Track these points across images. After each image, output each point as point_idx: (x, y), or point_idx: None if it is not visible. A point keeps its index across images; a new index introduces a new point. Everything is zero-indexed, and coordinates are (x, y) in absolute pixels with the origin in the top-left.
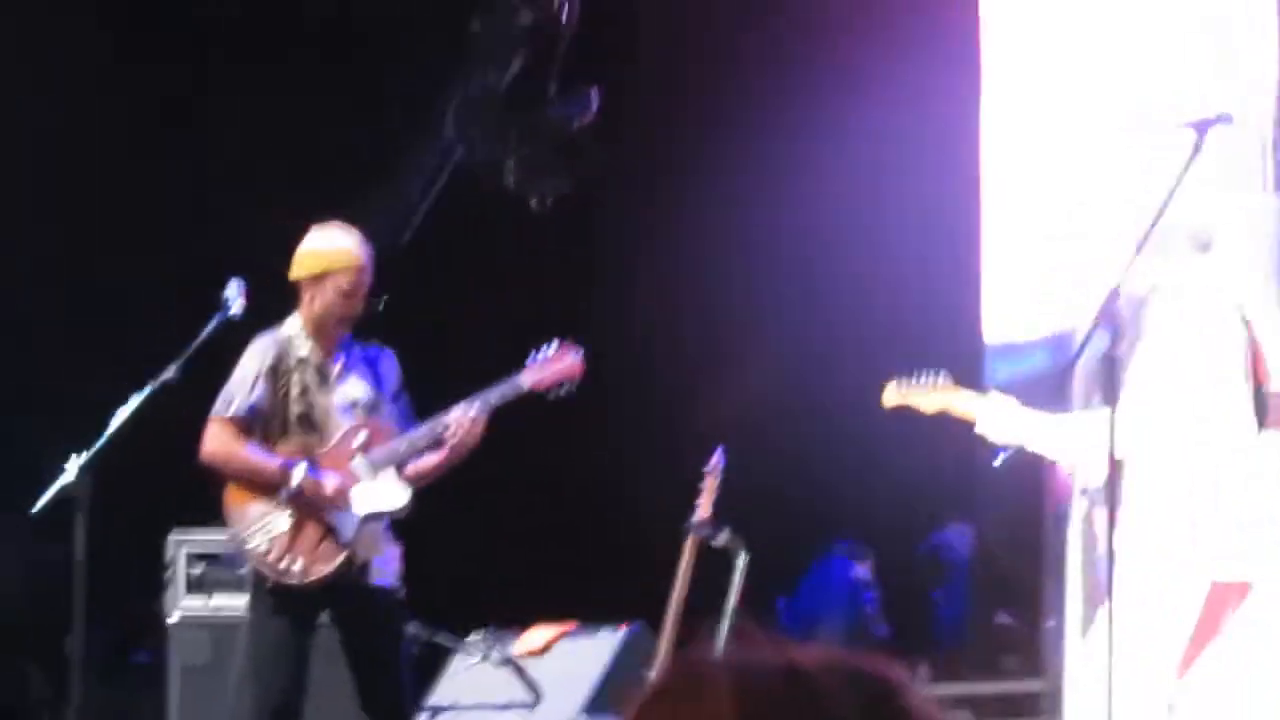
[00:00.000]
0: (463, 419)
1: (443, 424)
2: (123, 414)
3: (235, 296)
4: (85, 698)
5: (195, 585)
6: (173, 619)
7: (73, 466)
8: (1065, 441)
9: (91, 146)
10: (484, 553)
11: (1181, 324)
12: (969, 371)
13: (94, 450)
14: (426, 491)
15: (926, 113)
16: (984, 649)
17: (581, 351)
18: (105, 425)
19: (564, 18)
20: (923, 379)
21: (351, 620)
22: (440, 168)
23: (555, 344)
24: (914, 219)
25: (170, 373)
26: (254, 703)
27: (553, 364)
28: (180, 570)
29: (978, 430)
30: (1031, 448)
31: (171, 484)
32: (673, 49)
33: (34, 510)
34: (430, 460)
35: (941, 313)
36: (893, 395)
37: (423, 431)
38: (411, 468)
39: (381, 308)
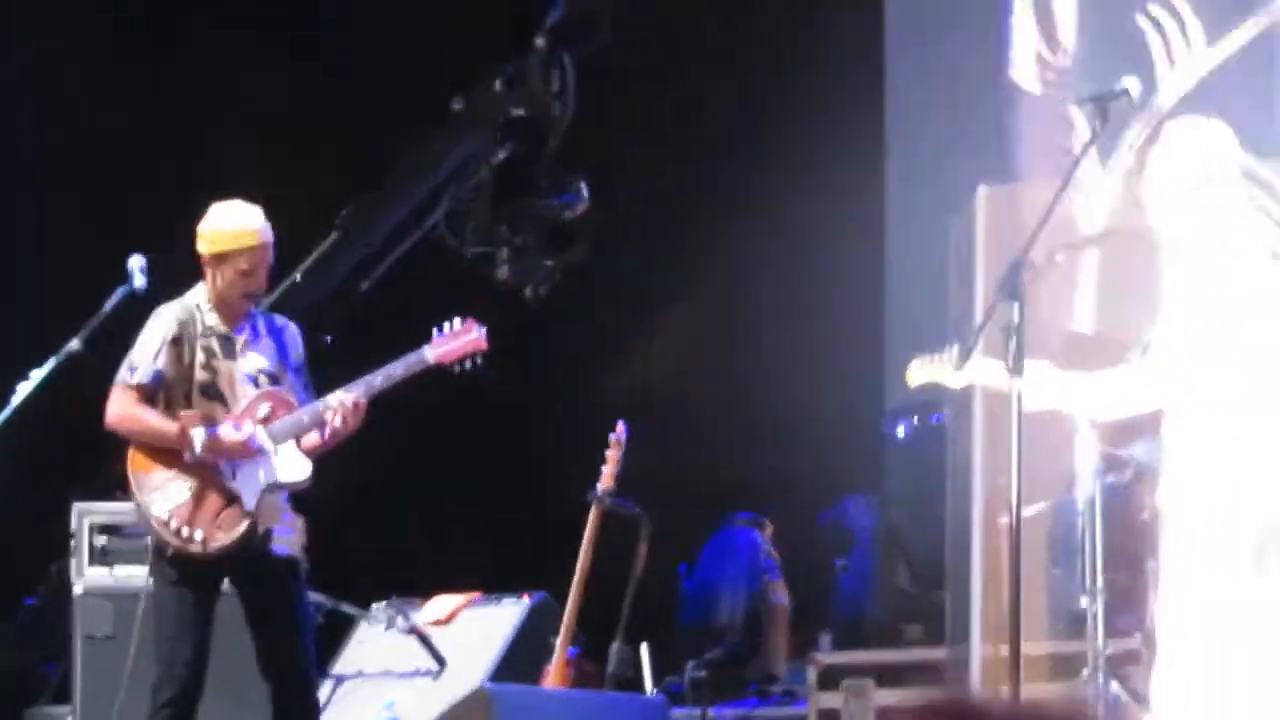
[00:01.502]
0: (345, 400)
1: (324, 405)
2: (27, 386)
3: (139, 270)
4: None
5: (99, 556)
6: (77, 590)
7: None
8: (1100, 397)
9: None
10: (388, 523)
11: (1218, 275)
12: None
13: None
14: (334, 461)
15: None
16: (886, 617)
17: (485, 327)
18: (8, 398)
19: (558, 112)
20: (943, 353)
21: (252, 588)
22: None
23: (459, 320)
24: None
25: (75, 344)
26: (160, 671)
27: (457, 338)
28: (84, 541)
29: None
30: (1066, 408)
31: (75, 456)
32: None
33: None
34: (310, 440)
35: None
36: (918, 372)
37: (339, 394)
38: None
39: (330, 342)
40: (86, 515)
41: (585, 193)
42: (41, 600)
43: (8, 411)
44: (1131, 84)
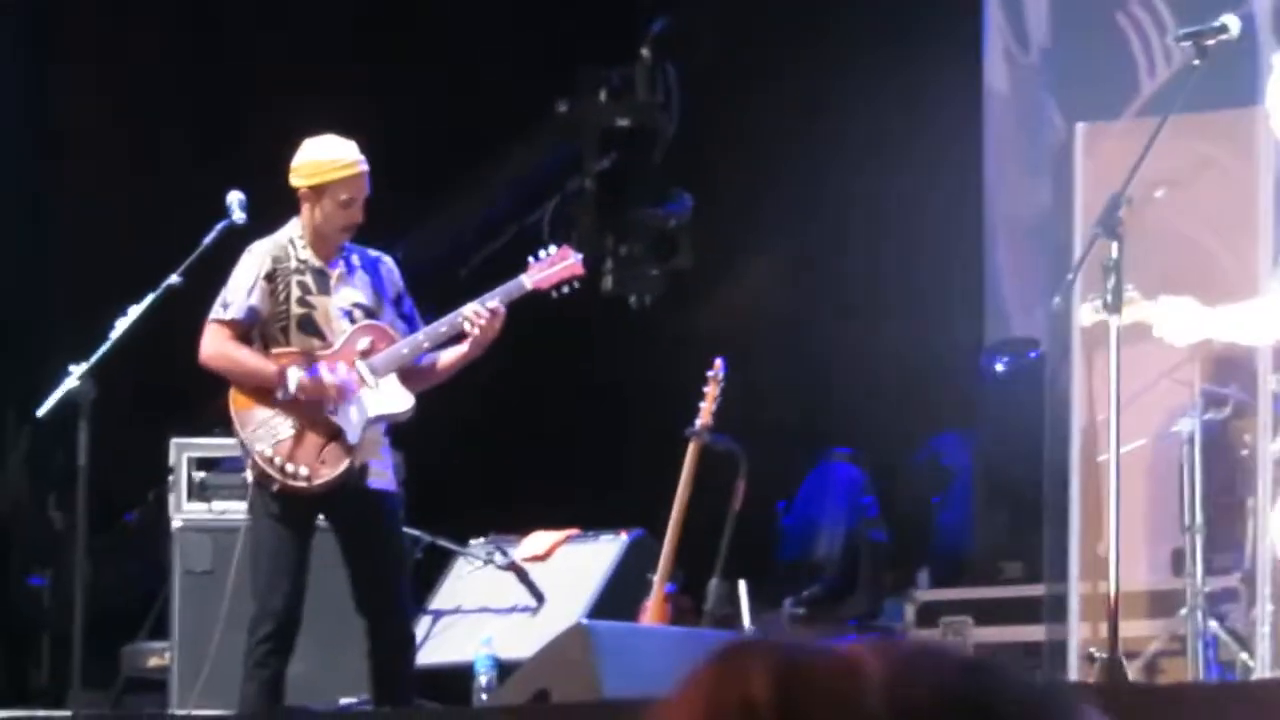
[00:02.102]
0: (481, 310)
1: (460, 316)
2: (125, 321)
3: (238, 204)
4: (88, 604)
5: (197, 491)
6: (175, 524)
7: (76, 372)
8: (1258, 324)
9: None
10: (486, 459)
11: None
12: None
13: (97, 356)
14: (431, 398)
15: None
16: (984, 555)
17: (581, 254)
18: (107, 332)
19: (662, 124)
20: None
21: (350, 523)
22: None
23: (555, 246)
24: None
25: (174, 279)
26: (257, 606)
27: (553, 264)
28: (182, 476)
29: (1155, 334)
30: (1222, 338)
31: (173, 391)
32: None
33: (39, 415)
34: (453, 353)
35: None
36: (1089, 313)
37: (437, 328)
38: (432, 360)
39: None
40: (185, 450)
41: (689, 202)
42: (139, 521)
43: (107, 346)
44: (1230, 21)
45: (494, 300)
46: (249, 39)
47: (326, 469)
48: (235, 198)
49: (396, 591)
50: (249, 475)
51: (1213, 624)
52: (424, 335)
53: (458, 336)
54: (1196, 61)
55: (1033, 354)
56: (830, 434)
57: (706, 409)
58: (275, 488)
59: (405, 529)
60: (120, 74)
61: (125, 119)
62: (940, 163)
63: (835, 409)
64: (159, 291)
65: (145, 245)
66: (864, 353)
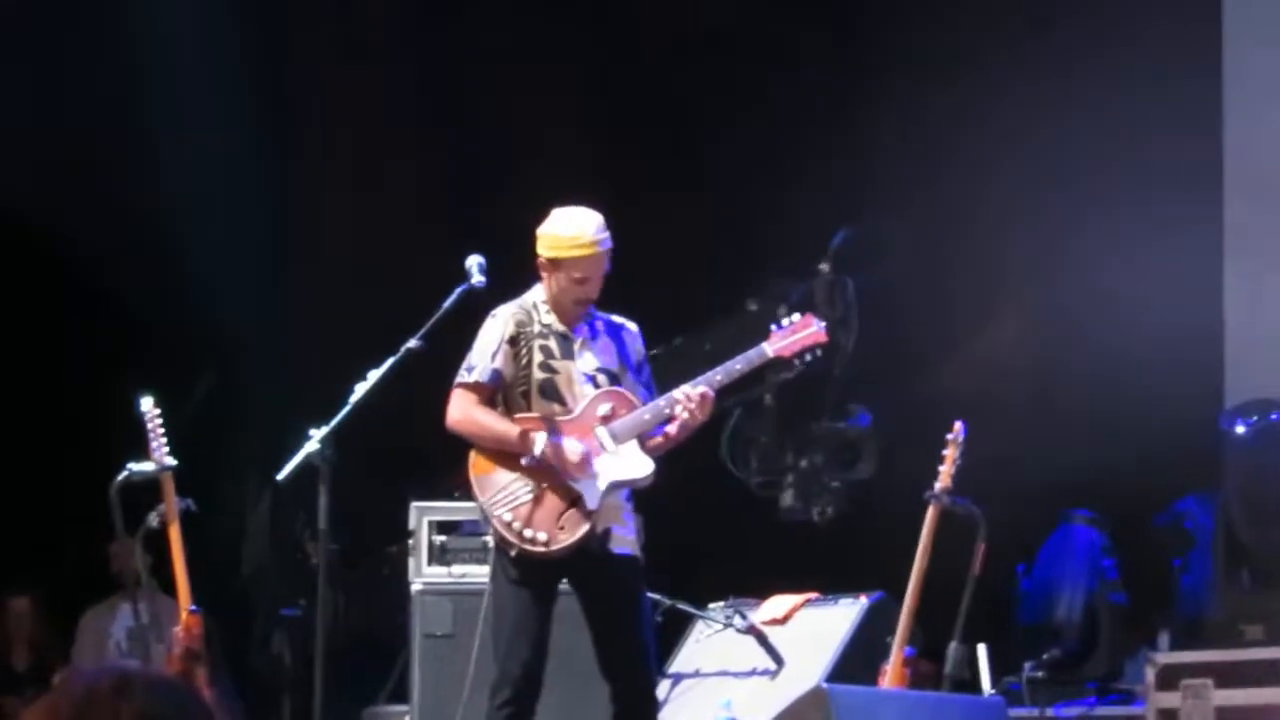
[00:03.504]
0: (691, 394)
1: (670, 400)
2: (365, 385)
3: (478, 268)
4: (327, 663)
5: (437, 555)
6: (416, 587)
7: (316, 436)
8: None
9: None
10: (725, 522)
11: None
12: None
13: (337, 420)
14: (671, 460)
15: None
16: (1226, 617)
17: (824, 322)
18: (347, 396)
19: (842, 340)
20: None
21: (593, 588)
22: None
23: (798, 314)
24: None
25: (414, 342)
26: (498, 671)
27: (796, 332)
28: (422, 540)
29: None
30: None
31: (414, 454)
32: None
33: (279, 479)
34: (658, 437)
35: (1184, 296)
36: None
37: (651, 407)
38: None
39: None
40: (425, 514)
41: (868, 419)
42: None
43: (346, 410)
44: None
45: (702, 385)
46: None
47: (565, 534)
48: (474, 261)
49: (641, 655)
50: (489, 540)
51: None
52: (666, 401)
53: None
54: None
55: (1275, 416)
56: (1071, 496)
57: (946, 471)
58: (514, 552)
59: (647, 593)
60: (362, 135)
61: (367, 181)
62: (1182, 220)
63: (1076, 471)
64: (399, 355)
65: (386, 308)
66: (1105, 414)
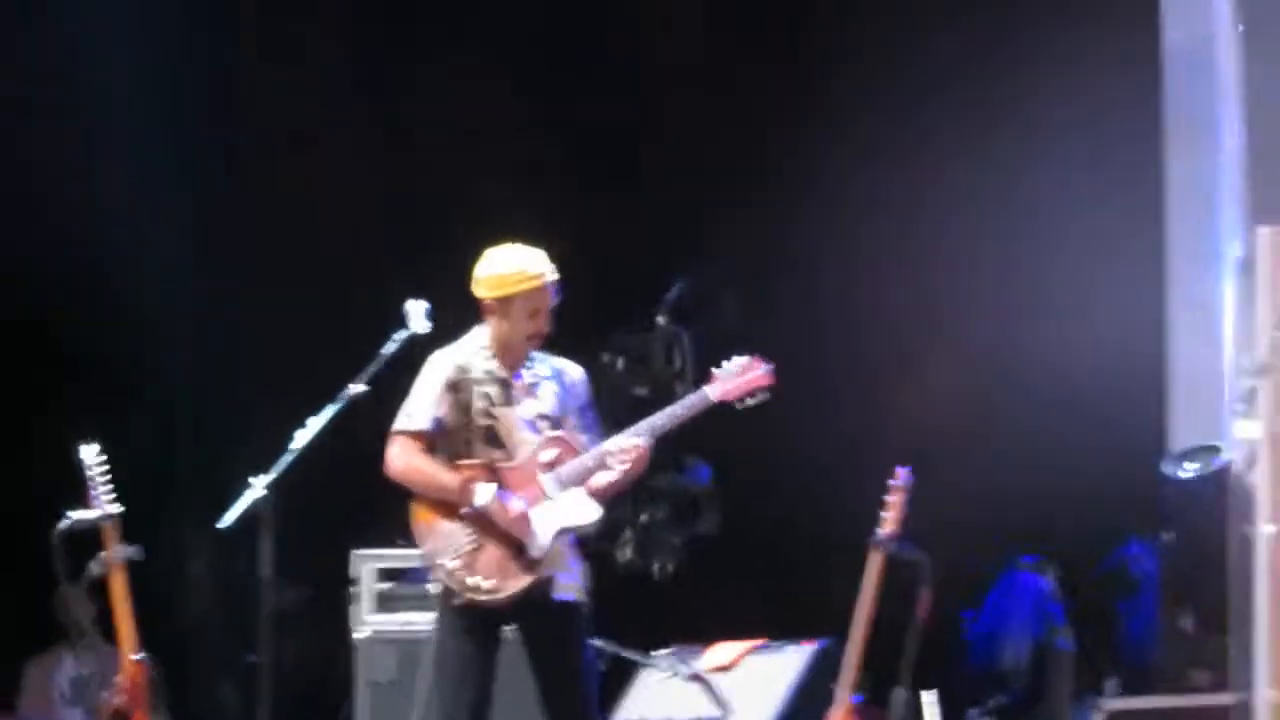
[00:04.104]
0: (624, 445)
1: (604, 451)
2: (306, 431)
3: (419, 313)
4: (273, 711)
5: (381, 603)
6: (360, 635)
7: (258, 484)
8: None
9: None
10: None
11: None
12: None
13: (281, 467)
14: (607, 506)
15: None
16: (1172, 663)
17: (771, 365)
18: (288, 443)
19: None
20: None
21: (536, 634)
22: None
23: (743, 357)
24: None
25: (358, 388)
26: (440, 718)
27: (741, 375)
28: (366, 587)
29: None
30: None
31: (355, 501)
32: None
33: (221, 526)
34: (600, 481)
35: (1126, 331)
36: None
37: (626, 436)
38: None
39: None
40: (367, 562)
41: (707, 473)
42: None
43: (287, 457)
44: None
45: (636, 438)
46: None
47: (510, 582)
48: (416, 306)
49: (583, 701)
50: (433, 588)
51: None
52: (610, 446)
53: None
54: None
55: (1217, 461)
56: (1016, 542)
57: (890, 517)
58: (458, 601)
59: (591, 639)
60: (303, 180)
61: (308, 224)
62: (1123, 264)
63: (1021, 517)
64: (341, 402)
65: (325, 352)
66: (1049, 462)
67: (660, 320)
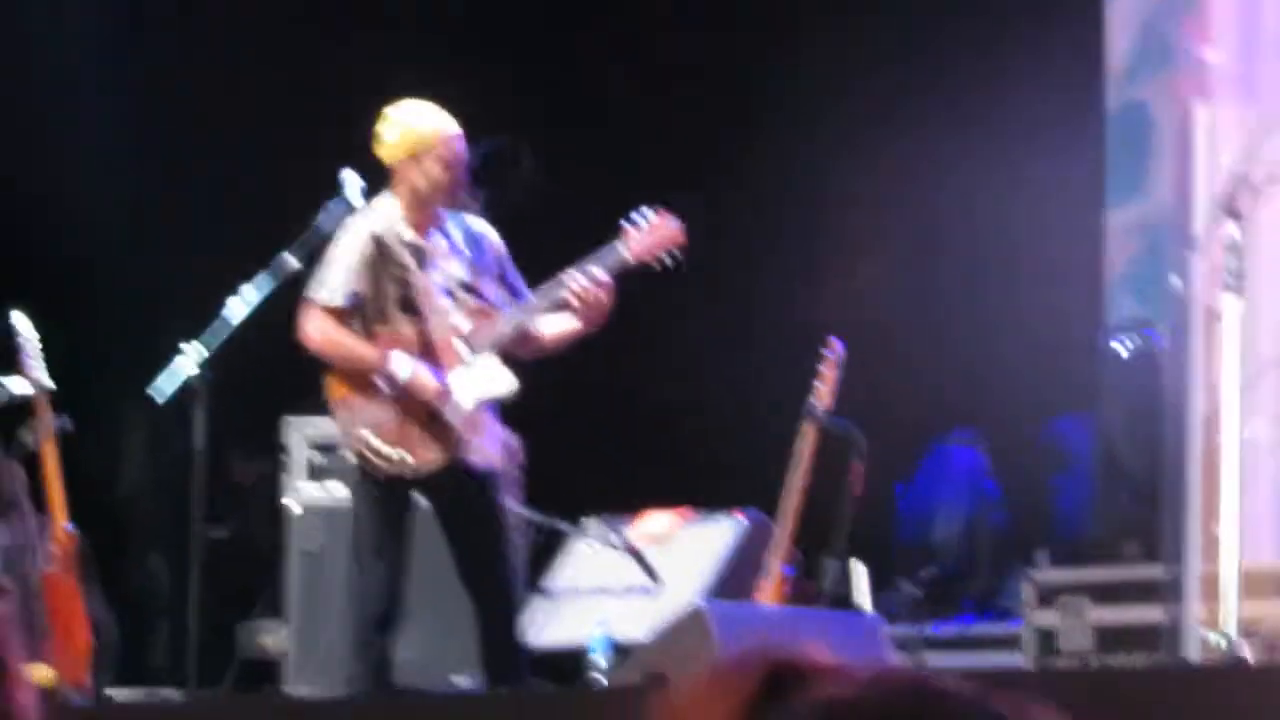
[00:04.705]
0: (585, 283)
1: (561, 287)
2: (239, 301)
3: (352, 184)
4: (205, 584)
5: (312, 472)
6: (290, 505)
7: (190, 351)
8: None
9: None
10: (601, 439)
11: None
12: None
13: (211, 338)
14: (544, 379)
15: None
16: (1104, 536)
17: (680, 220)
18: (221, 313)
19: None
20: None
21: (450, 502)
22: None
23: (652, 211)
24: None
25: (290, 260)
26: (360, 589)
27: (654, 232)
28: (297, 457)
29: None
30: None
31: (290, 371)
32: None
33: (156, 399)
34: (560, 325)
35: (1065, 203)
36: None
37: (536, 303)
38: (537, 333)
39: None
40: (299, 431)
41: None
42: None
43: (220, 327)
44: None
45: (599, 268)
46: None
47: (429, 454)
48: (350, 177)
49: (501, 567)
50: (351, 458)
51: None
52: (523, 311)
53: (562, 305)
54: None
55: (1153, 335)
56: (950, 416)
57: (823, 389)
58: (376, 473)
59: (522, 511)
60: (234, 51)
61: (245, 89)
62: (1060, 138)
63: (955, 391)
64: (276, 273)
65: (258, 218)
66: (984, 335)
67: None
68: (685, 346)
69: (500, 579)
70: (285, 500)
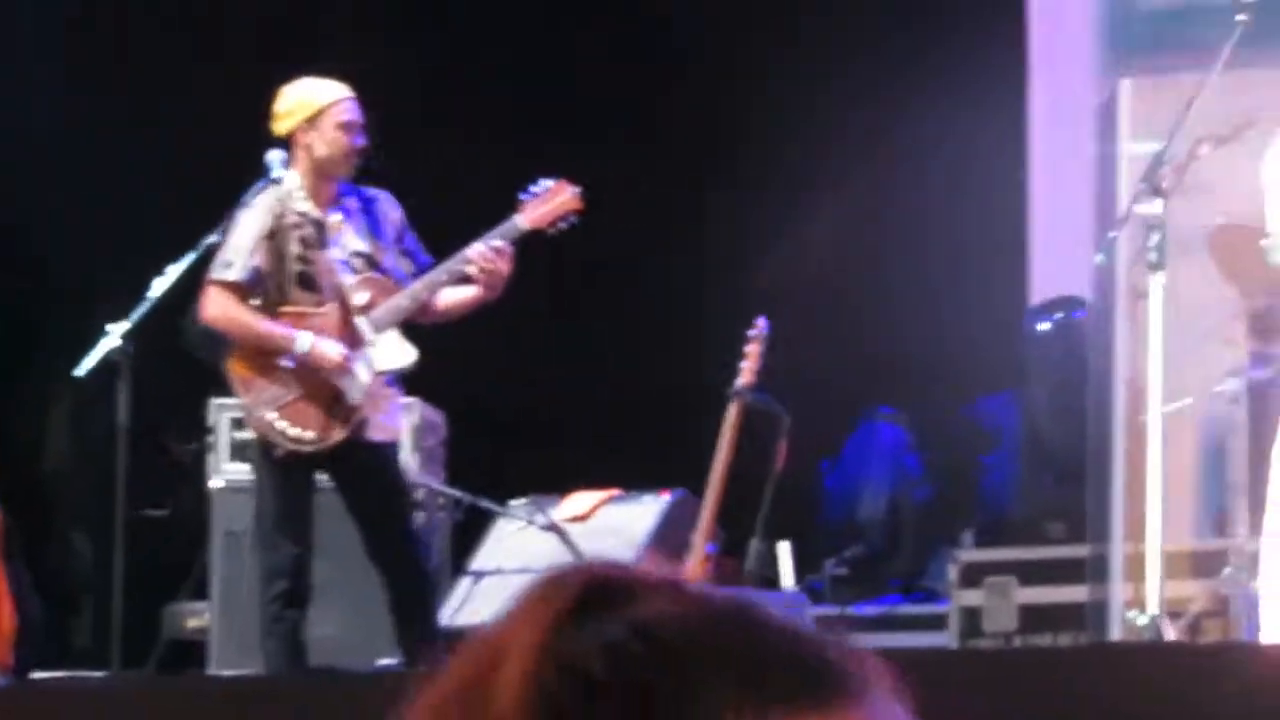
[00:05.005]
0: (486, 253)
1: (464, 259)
2: (164, 279)
3: (279, 163)
4: (134, 564)
5: (237, 452)
6: (214, 484)
7: (115, 332)
8: None
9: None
10: (525, 419)
11: None
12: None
13: (136, 315)
14: (467, 356)
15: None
16: (1029, 516)
17: (577, 187)
18: (144, 290)
19: None
20: None
21: (351, 477)
22: None
23: (547, 180)
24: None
25: (213, 238)
26: (266, 566)
27: (549, 200)
28: (222, 436)
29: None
30: None
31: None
32: None
33: (78, 374)
34: (461, 295)
35: (990, 184)
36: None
37: (437, 276)
38: (437, 303)
39: None
40: (225, 411)
41: None
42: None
43: (145, 305)
44: None
45: (498, 240)
46: None
47: (331, 431)
48: (275, 156)
49: (406, 541)
50: (252, 436)
51: (1255, 584)
52: (424, 285)
53: (464, 278)
54: (1241, 17)
55: (1078, 314)
56: (874, 394)
57: (748, 368)
58: (280, 452)
59: (445, 489)
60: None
61: (174, 67)
62: (985, 121)
63: (880, 369)
64: (199, 251)
65: (186, 201)
66: (909, 313)
67: None
68: (612, 326)
69: (406, 552)
70: (210, 481)
